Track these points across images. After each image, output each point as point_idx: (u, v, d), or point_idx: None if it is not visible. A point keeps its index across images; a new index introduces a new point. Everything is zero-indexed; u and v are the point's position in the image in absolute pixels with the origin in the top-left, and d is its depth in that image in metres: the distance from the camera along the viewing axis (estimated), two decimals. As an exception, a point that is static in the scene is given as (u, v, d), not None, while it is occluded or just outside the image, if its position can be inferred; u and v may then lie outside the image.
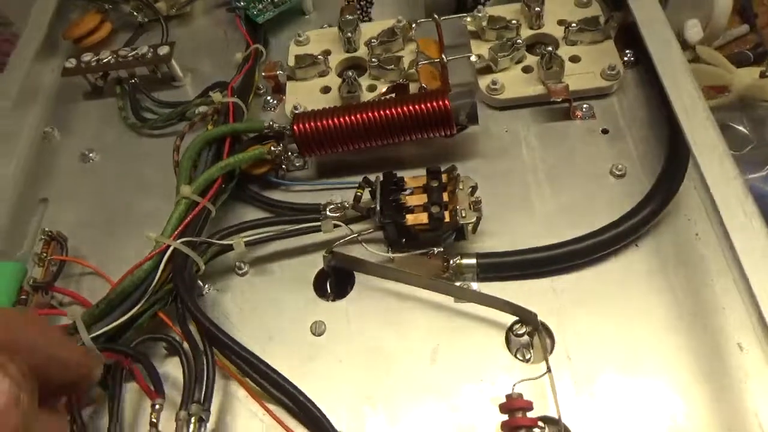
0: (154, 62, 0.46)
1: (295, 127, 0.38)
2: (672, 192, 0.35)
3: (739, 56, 0.61)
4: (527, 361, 0.32)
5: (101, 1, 0.53)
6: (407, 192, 0.35)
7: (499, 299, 0.32)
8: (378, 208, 0.34)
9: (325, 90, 0.44)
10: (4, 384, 0.21)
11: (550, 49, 0.41)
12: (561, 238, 0.35)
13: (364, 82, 0.43)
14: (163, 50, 0.46)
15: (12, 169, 0.44)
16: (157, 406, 0.30)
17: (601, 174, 0.38)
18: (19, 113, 0.47)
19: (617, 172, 0.38)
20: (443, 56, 0.42)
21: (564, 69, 0.41)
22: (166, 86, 0.48)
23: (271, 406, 0.32)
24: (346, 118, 0.37)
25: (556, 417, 0.29)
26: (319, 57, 0.44)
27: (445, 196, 0.34)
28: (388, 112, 0.37)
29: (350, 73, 0.42)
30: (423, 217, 0.33)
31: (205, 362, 0.31)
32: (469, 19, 0.44)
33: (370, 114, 0.37)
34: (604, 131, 0.41)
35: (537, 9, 0.44)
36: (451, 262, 0.34)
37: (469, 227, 0.34)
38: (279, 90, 0.46)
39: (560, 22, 0.44)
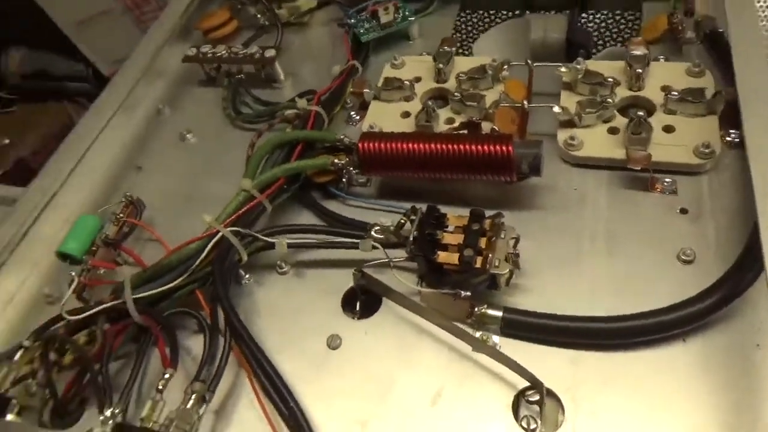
0: (260, 62, 0.50)
1: (360, 145, 0.39)
2: (737, 292, 0.31)
3: None
4: None
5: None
6: (447, 229, 0.34)
7: (513, 360, 0.31)
8: (411, 238, 0.34)
9: (405, 115, 0.45)
10: None
11: (641, 114, 0.38)
12: (601, 311, 0.33)
13: (445, 113, 0.44)
14: (269, 53, 0.50)
15: (126, 136, 0.50)
16: (167, 375, 0.32)
17: (667, 255, 0.35)
18: (144, 87, 0.52)
19: (685, 257, 0.35)
20: (525, 102, 0.41)
21: (651, 137, 0.38)
22: (267, 86, 0.52)
23: (270, 408, 0.32)
24: (408, 144, 0.38)
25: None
26: (407, 82, 0.45)
27: (483, 242, 0.33)
28: (449, 146, 0.37)
29: (429, 103, 0.43)
30: (455, 258, 0.33)
31: (220, 346, 0.33)
32: (564, 69, 0.43)
33: (431, 145, 0.37)
34: (683, 211, 0.37)
35: (639, 70, 0.41)
36: (477, 309, 0.33)
37: (502, 279, 0.33)
38: (364, 107, 0.47)
39: (663, 88, 0.42)
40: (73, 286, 0.36)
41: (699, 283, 0.33)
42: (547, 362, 0.32)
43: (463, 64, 0.46)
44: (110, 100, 0.49)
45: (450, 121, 0.43)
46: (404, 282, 0.35)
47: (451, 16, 0.55)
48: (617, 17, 0.51)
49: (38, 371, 0.34)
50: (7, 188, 0.52)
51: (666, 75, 0.42)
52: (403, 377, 0.33)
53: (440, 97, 0.46)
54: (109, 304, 0.35)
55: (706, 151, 0.38)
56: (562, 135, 0.41)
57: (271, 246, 0.37)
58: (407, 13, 0.52)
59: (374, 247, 0.36)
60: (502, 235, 0.33)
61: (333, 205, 0.42)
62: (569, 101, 0.42)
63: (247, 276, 0.39)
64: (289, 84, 0.52)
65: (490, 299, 0.34)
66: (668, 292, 0.33)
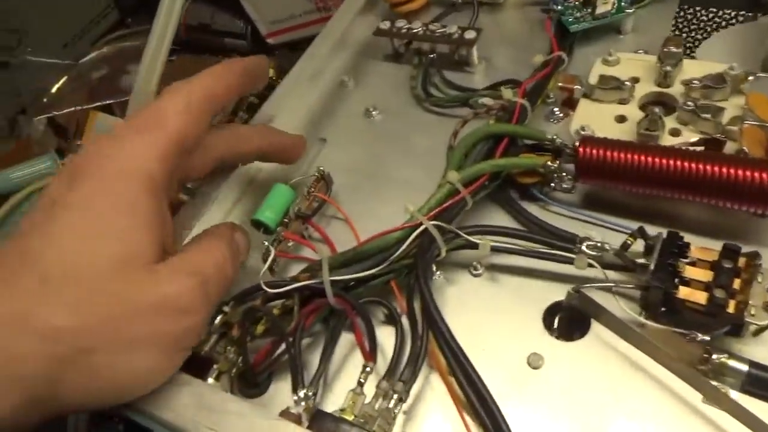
0: (458, 43, 0.47)
1: (581, 149, 0.36)
2: None
3: None
4: None
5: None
6: (688, 261, 0.30)
7: (762, 421, 0.27)
8: (652, 267, 0.30)
9: (621, 119, 0.41)
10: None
11: None
12: None
13: (669, 123, 0.39)
14: (470, 34, 0.47)
15: (313, 106, 0.49)
16: (368, 369, 0.31)
17: None
18: (329, 58, 0.51)
19: None
20: (779, 123, 0.35)
21: None
22: (458, 69, 0.49)
23: (467, 417, 0.31)
24: (643, 157, 0.34)
25: None
26: (626, 83, 0.41)
27: (736, 284, 0.29)
28: (695, 165, 0.33)
29: (657, 110, 0.38)
30: (700, 296, 0.29)
31: (420, 345, 0.32)
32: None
33: (672, 161, 0.33)
34: None
35: None
36: (714, 357, 0.29)
37: (750, 328, 0.29)
38: (569, 104, 0.43)
39: None
40: (270, 258, 0.36)
41: None
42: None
43: (692, 68, 0.41)
44: (304, 68, 0.48)
45: (675, 132, 0.39)
46: (627, 310, 0.32)
47: (666, 12, 0.49)
48: None
49: (233, 338, 0.34)
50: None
51: None
52: (610, 413, 0.30)
53: (660, 103, 0.41)
54: (307, 282, 0.34)
55: None
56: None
57: (474, 246, 0.35)
58: (623, 3, 0.47)
59: (590, 265, 0.33)
60: (760, 279, 0.29)
61: (532, 209, 0.39)
62: (830, 127, 0.36)
63: (438, 272, 0.37)
64: (481, 69, 0.49)
65: (728, 347, 0.30)
66: None
